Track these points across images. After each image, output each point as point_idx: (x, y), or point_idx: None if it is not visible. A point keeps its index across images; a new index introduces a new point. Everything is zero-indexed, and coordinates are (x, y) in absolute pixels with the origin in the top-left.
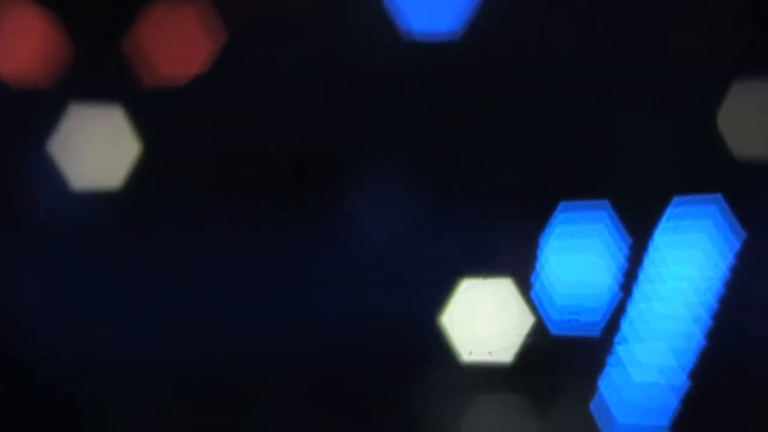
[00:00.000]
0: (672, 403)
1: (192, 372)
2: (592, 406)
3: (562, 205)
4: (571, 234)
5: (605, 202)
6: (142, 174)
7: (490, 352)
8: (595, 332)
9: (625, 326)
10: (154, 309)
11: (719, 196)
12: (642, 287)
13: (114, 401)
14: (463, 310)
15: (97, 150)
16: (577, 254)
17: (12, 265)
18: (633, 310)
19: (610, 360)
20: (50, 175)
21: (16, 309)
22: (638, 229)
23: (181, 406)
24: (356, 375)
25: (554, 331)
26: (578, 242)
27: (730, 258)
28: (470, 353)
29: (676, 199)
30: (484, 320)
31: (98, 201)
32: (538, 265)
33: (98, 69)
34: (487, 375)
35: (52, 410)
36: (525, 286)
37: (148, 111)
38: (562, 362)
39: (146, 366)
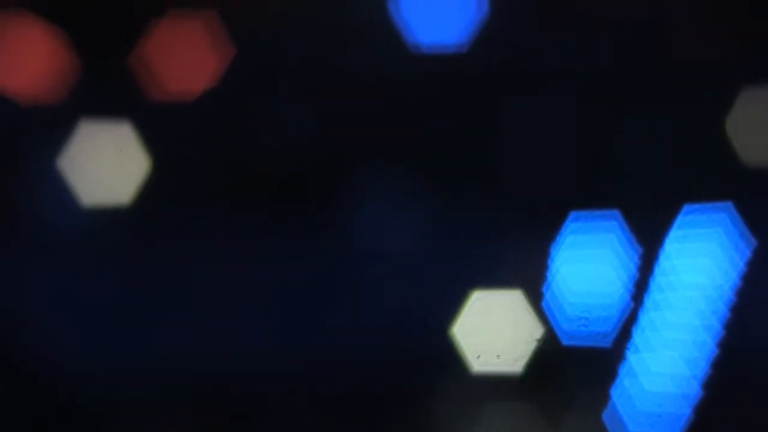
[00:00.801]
0: (684, 412)
1: (199, 384)
2: (605, 415)
3: (573, 214)
4: (581, 244)
5: (616, 212)
6: (151, 189)
7: (499, 360)
8: (607, 342)
9: (637, 335)
10: (163, 323)
11: (729, 204)
12: (653, 296)
13: (119, 414)
14: (473, 321)
15: (106, 165)
16: (588, 264)
17: (21, 280)
18: (644, 319)
19: (622, 369)
20: (59, 191)
21: (25, 323)
22: (649, 238)
23: (183, 416)
24: (365, 386)
25: (566, 341)
26: (589, 252)
27: (740, 266)
28: (480, 361)
29: (686, 208)
30: (494, 331)
31: (108, 216)
32: (549, 275)
33: (106, 85)
34: (497, 385)
35: (55, 421)
36: (536, 296)
37: (157, 126)
38: (574, 372)
39: (153, 381)
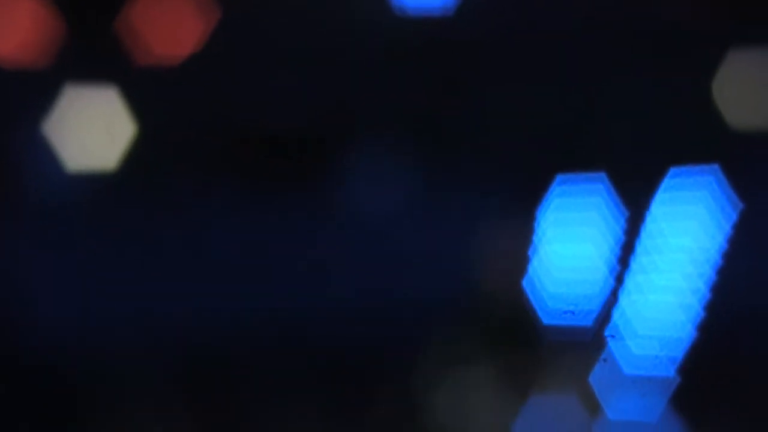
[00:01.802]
0: (671, 375)
1: (192, 354)
2: (592, 378)
3: (559, 177)
4: (568, 207)
5: (602, 175)
6: (137, 154)
7: None
8: (594, 305)
9: (623, 298)
10: (151, 291)
11: (716, 166)
12: (639, 259)
13: (108, 382)
14: None
15: (91, 131)
16: (574, 227)
17: (6, 247)
18: (631, 282)
19: (609, 333)
20: (45, 155)
21: (9, 290)
22: (635, 201)
23: (179, 387)
24: (361, 354)
25: (546, 320)
26: (575, 215)
27: (727, 229)
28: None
29: (672, 170)
30: None
31: (93, 181)
32: (535, 238)
33: (91, 49)
34: (482, 354)
35: (39, 387)
36: (523, 261)
37: (143, 91)
38: (561, 337)
39: (143, 347)
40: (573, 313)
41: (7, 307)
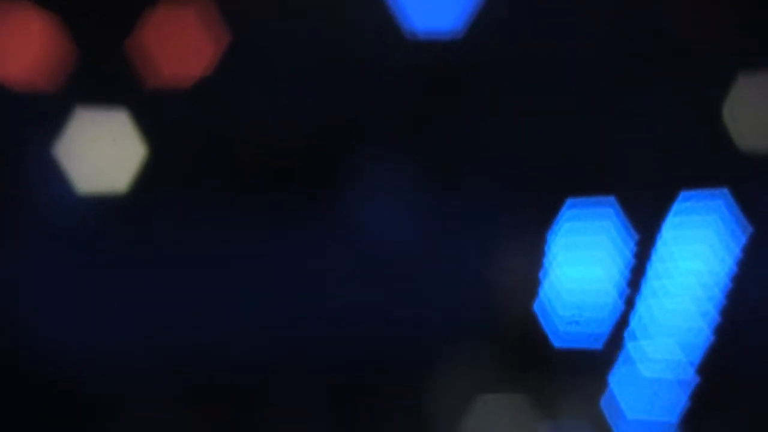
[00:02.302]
0: (681, 399)
1: (200, 375)
2: (603, 402)
3: (569, 201)
4: (578, 231)
5: (612, 199)
6: (147, 176)
7: None
8: (604, 329)
9: (634, 322)
10: (160, 312)
11: (726, 190)
12: (650, 283)
13: (117, 403)
14: None
15: (102, 153)
16: (585, 250)
17: (17, 269)
18: (641, 305)
19: (620, 356)
20: (55, 178)
21: (20, 312)
22: (645, 225)
23: (184, 406)
24: (362, 374)
25: (557, 344)
26: (585, 239)
27: (736, 252)
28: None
29: (682, 194)
30: None
31: (104, 204)
32: (545, 262)
33: (102, 72)
34: (492, 374)
35: (50, 411)
36: (533, 284)
37: (153, 113)
38: (571, 360)
39: (152, 370)
40: (578, 324)
41: (17, 327)
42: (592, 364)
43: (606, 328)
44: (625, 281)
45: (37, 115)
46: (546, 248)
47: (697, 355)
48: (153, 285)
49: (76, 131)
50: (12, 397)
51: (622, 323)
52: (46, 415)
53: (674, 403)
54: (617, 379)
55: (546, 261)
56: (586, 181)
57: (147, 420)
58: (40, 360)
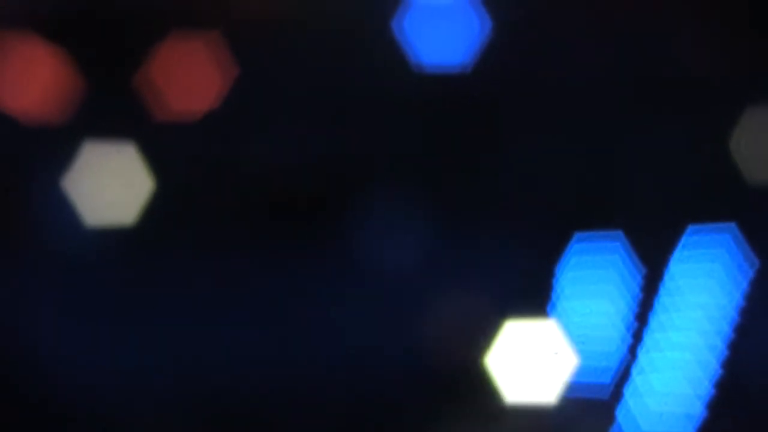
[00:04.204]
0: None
1: (207, 409)
2: None
3: (577, 236)
4: (586, 265)
5: (619, 233)
6: (155, 209)
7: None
8: (612, 362)
9: (642, 356)
10: (167, 342)
11: (733, 225)
12: (658, 317)
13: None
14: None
15: (110, 186)
16: (593, 285)
17: (26, 301)
18: (649, 339)
19: (627, 390)
20: (64, 211)
21: (29, 343)
22: (653, 259)
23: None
24: (370, 402)
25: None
26: (593, 273)
27: (744, 286)
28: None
29: (690, 228)
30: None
31: (112, 236)
32: (554, 296)
33: (110, 105)
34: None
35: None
36: (540, 318)
37: (161, 147)
38: (579, 392)
39: (160, 403)
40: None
41: (24, 358)
42: (601, 398)
43: (614, 362)
44: (633, 315)
45: (46, 148)
46: (554, 282)
47: (705, 389)
48: (160, 317)
49: (84, 164)
50: (16, 417)
51: (629, 357)
52: None
53: None
54: (625, 413)
55: (554, 295)
56: (594, 216)
57: None
58: (44, 391)
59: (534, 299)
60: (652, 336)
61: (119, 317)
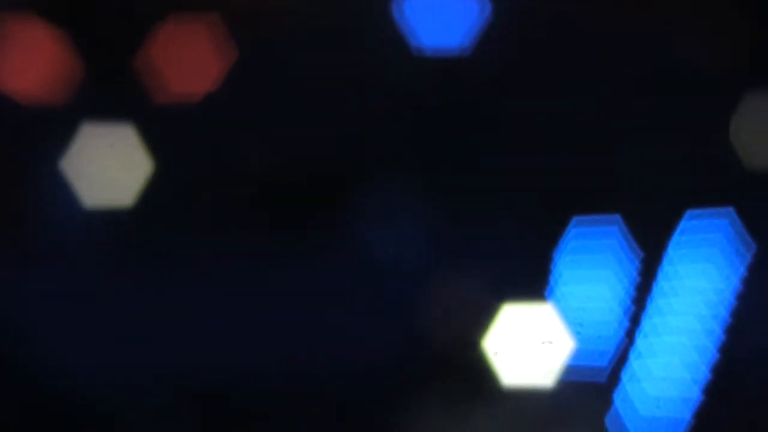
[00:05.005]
0: (685, 416)
1: (202, 395)
2: (607, 419)
3: (575, 219)
4: (584, 249)
5: (617, 217)
6: (153, 191)
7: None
8: (609, 346)
9: (639, 340)
10: (165, 326)
11: (731, 209)
12: (656, 301)
13: (118, 421)
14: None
15: (108, 168)
16: (590, 269)
17: (23, 283)
18: (647, 324)
19: (625, 374)
20: (62, 192)
21: (26, 326)
22: (650, 243)
23: (183, 422)
24: (372, 397)
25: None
26: (591, 257)
27: (741, 270)
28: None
29: (688, 213)
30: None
31: (110, 218)
32: (552, 280)
33: (109, 87)
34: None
35: (53, 426)
36: (539, 303)
37: (160, 129)
38: (576, 376)
39: (155, 387)
40: (580, 332)
41: (22, 341)
42: (598, 381)
43: (611, 346)
44: (631, 299)
45: (45, 130)
46: (552, 266)
47: (702, 374)
48: (158, 299)
49: (82, 145)
50: (11, 406)
51: (627, 341)
52: (43, 424)
53: (679, 422)
54: (622, 397)
55: (551, 279)
56: (592, 200)
57: None
58: (43, 376)
59: (532, 283)
60: (649, 320)
61: (116, 300)
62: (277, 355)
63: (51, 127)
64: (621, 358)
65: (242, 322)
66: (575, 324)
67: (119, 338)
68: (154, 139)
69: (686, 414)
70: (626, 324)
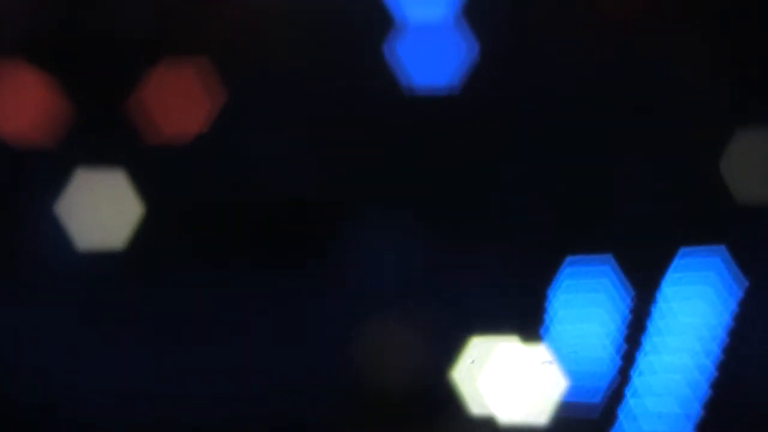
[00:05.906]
0: None
1: (200, 428)
2: None
3: (568, 259)
4: (577, 288)
5: (609, 256)
6: (145, 234)
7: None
8: (603, 384)
9: (634, 378)
10: (158, 367)
11: (722, 247)
12: (649, 339)
13: None
14: (472, 367)
15: (100, 211)
16: (584, 308)
17: (17, 326)
18: (641, 361)
19: (620, 411)
20: (55, 235)
21: (20, 366)
22: (644, 282)
23: None
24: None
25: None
26: (584, 296)
27: (733, 307)
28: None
29: (681, 251)
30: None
31: (103, 261)
32: (545, 319)
33: (100, 130)
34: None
35: None
36: (533, 341)
37: (151, 171)
38: (570, 412)
39: (146, 425)
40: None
41: (16, 381)
42: (591, 418)
43: (605, 383)
44: (624, 337)
45: (37, 173)
46: (546, 305)
47: (696, 410)
48: (150, 341)
49: (74, 189)
50: None
51: (621, 378)
52: None
53: None
54: None
55: (546, 318)
56: (584, 239)
57: None
58: (37, 412)
59: (526, 322)
60: (644, 358)
61: (109, 340)
62: (267, 387)
63: (43, 171)
64: (615, 395)
65: (234, 361)
66: (570, 362)
67: (110, 378)
68: (145, 182)
69: None
70: (620, 362)
